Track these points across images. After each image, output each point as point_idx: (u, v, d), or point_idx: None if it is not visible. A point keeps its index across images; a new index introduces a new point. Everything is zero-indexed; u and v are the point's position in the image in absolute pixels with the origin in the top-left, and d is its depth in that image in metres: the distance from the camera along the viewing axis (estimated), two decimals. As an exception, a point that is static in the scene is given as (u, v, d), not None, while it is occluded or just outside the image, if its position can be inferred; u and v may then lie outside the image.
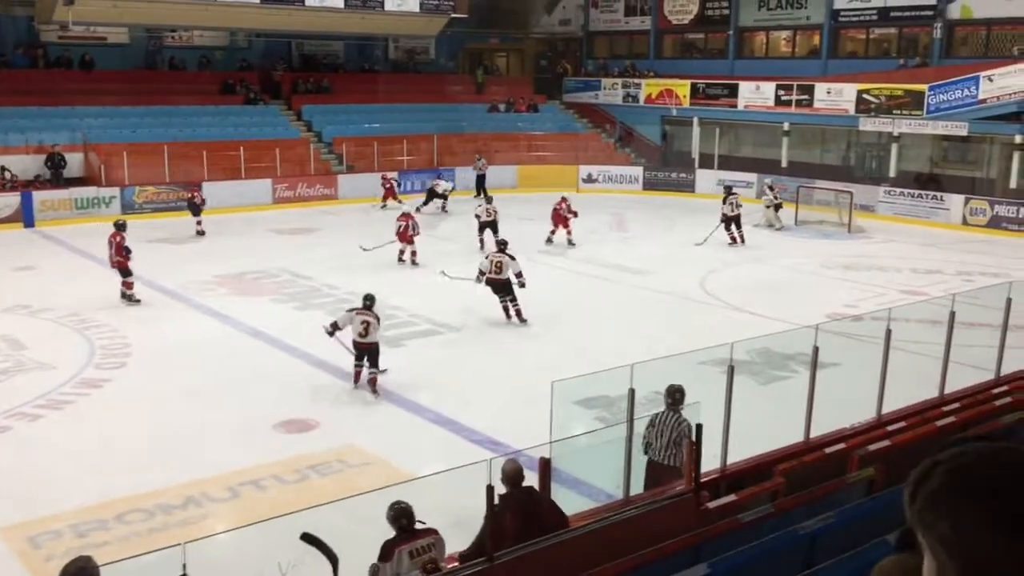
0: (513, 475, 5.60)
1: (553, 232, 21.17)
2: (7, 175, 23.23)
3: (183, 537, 7.34)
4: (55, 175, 23.98)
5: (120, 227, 15.77)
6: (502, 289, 14.64)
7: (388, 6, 28.96)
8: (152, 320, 14.51)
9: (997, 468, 1.17)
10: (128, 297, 15.44)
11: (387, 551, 5.34)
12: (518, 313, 14.60)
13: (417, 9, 29.73)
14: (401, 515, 5.41)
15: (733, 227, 21.39)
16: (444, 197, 25.70)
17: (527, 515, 5.42)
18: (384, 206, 25.53)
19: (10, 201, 22.59)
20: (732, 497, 5.78)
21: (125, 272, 15.45)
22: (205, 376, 11.94)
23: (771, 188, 24.20)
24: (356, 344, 11.62)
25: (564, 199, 21.35)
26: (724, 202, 21.52)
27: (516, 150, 31.56)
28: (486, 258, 15.01)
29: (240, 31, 31.15)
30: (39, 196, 23.05)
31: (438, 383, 11.75)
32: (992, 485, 1.15)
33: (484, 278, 14.60)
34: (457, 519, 6.86)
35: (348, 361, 12.42)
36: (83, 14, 24.93)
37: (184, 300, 15.88)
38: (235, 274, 17.72)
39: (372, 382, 11.34)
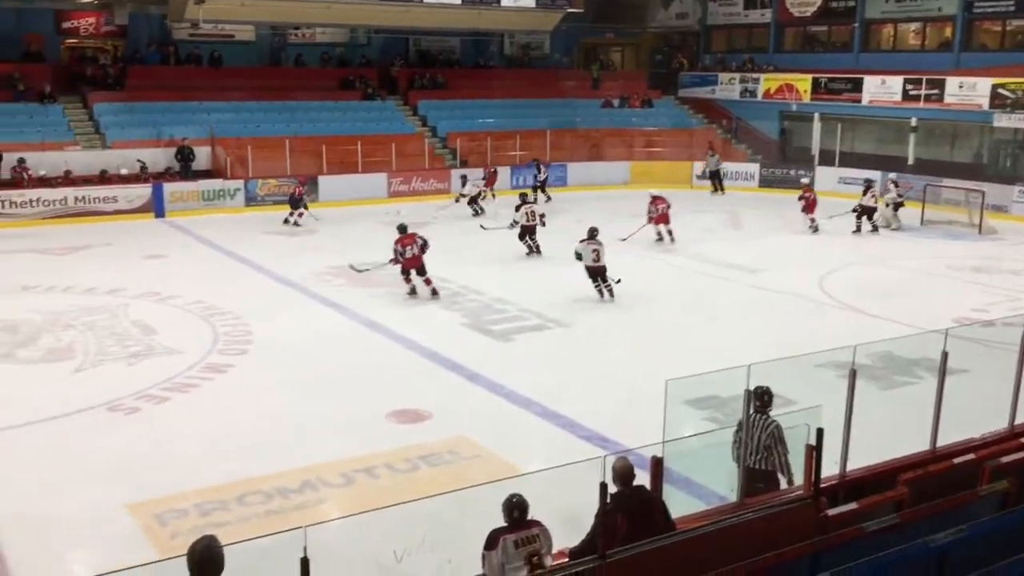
0: (624, 474, 5.54)
1: (658, 232, 20.84)
2: (142, 168, 24.35)
3: (299, 520, 7.55)
4: (184, 168, 25.02)
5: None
6: (599, 273, 15.58)
7: (504, 2, 29.09)
8: (272, 309, 14.97)
9: None
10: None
11: (492, 539, 5.38)
12: (610, 290, 15.64)
13: (533, 4, 29.77)
14: (514, 507, 5.42)
15: (864, 218, 21.92)
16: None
17: (638, 515, 5.35)
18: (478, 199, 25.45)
19: (143, 192, 23.67)
20: (853, 505, 5.57)
21: None
22: (322, 364, 12.25)
23: (896, 184, 23.32)
24: (589, 268, 15.32)
25: (661, 199, 20.94)
26: (865, 193, 22.17)
27: (629, 146, 31.29)
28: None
29: (360, 28, 31.82)
30: (169, 188, 24.08)
31: (548, 378, 11.75)
32: None
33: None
34: (564, 515, 6.83)
35: (459, 353, 12.57)
36: (213, 12, 25.89)
37: (302, 290, 16.32)
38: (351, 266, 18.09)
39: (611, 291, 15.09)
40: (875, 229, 22.00)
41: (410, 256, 15.62)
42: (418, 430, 10.00)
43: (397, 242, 15.75)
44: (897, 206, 22.86)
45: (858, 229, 21.97)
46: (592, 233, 15.87)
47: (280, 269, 17.71)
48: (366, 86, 30.59)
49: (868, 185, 22.82)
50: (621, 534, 4.87)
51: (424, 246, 15.75)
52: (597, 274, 15.56)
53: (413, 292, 15.77)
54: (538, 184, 26.56)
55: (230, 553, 4.30)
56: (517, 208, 19.61)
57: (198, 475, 8.73)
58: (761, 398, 7.27)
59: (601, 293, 15.58)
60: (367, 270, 16.67)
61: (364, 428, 10.00)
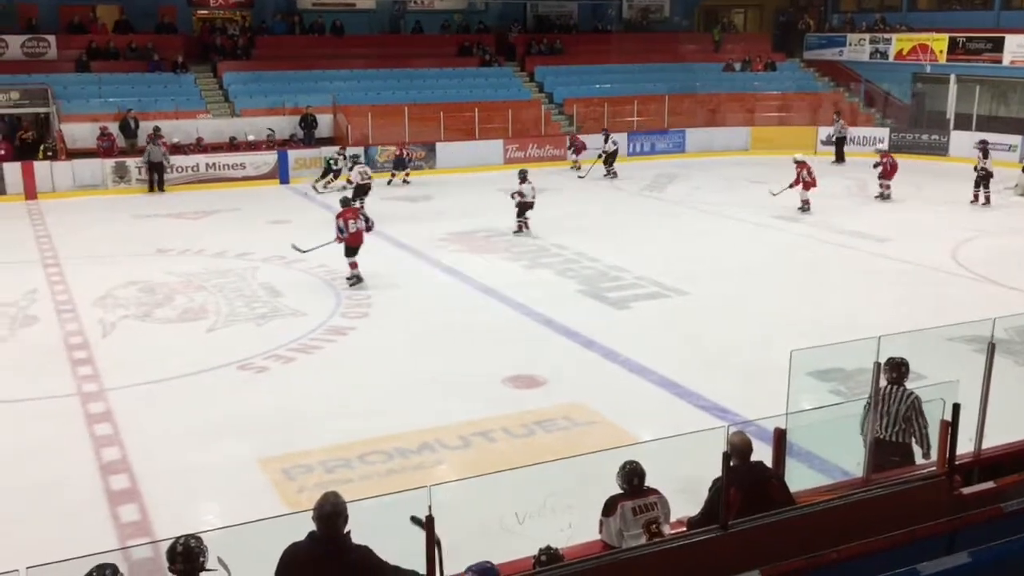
0: (743, 448, 5.43)
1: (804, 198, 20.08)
2: (270, 134, 25.12)
3: (417, 480, 7.72)
4: (307, 135, 25.67)
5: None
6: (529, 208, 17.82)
7: (623, -36, 28.61)
8: (392, 274, 15.26)
9: None
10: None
11: (611, 505, 5.38)
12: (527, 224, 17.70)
13: (653, -34, 29.19)
14: (633, 475, 5.41)
15: (982, 186, 20.72)
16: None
17: (755, 490, 5.24)
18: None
19: (268, 159, 24.41)
20: (991, 484, 5.33)
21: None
22: (439, 329, 12.44)
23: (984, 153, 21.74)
24: (525, 204, 17.71)
25: (804, 163, 20.19)
26: (985, 156, 20.76)
27: (750, 111, 30.47)
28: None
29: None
30: (293, 155, 24.76)
31: (664, 346, 11.63)
32: None
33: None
34: (681, 485, 6.77)
35: (575, 319, 12.56)
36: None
37: (420, 255, 16.59)
38: (468, 232, 18.29)
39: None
40: (988, 201, 20.51)
41: (354, 231, 14.39)
42: (534, 395, 10.06)
43: (339, 216, 14.54)
44: None
45: (976, 199, 20.59)
46: (524, 175, 18.06)
47: (399, 235, 18.01)
48: (484, 53, 30.67)
49: (984, 147, 21.08)
50: (735, 508, 4.79)
51: (368, 222, 14.75)
52: (527, 209, 17.84)
53: (358, 280, 14.41)
54: (603, 154, 25.11)
55: (355, 509, 4.42)
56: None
57: (322, 433, 9.02)
58: (898, 368, 7.01)
59: (520, 228, 17.89)
60: (311, 250, 15.08)
61: (481, 392, 10.13)
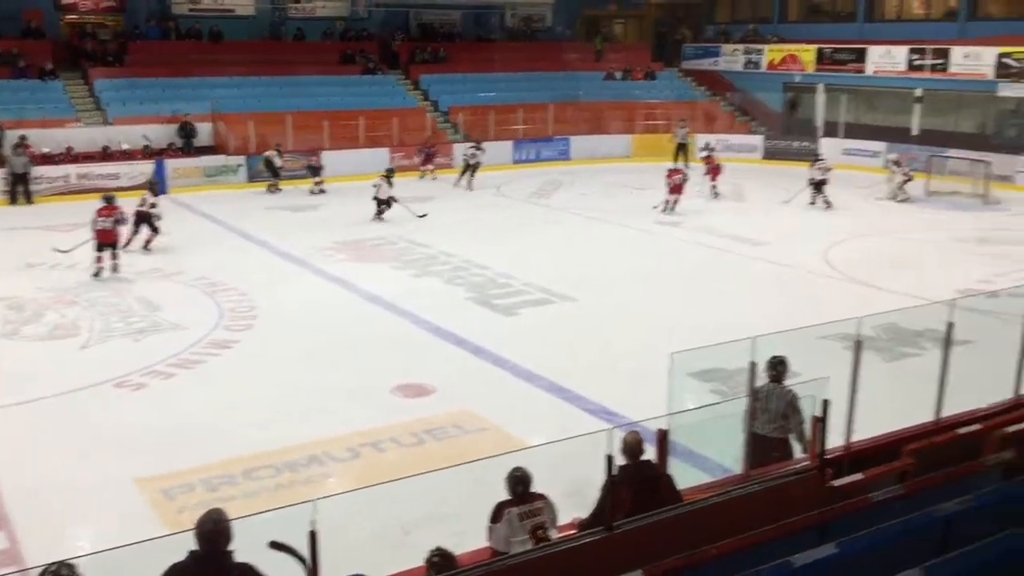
0: (634, 447, 5.56)
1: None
2: (147, 143, 24.31)
3: (306, 495, 7.59)
4: (186, 144, 24.96)
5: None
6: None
7: (506, -26, 28.88)
8: (276, 285, 14.98)
9: None
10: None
11: (498, 512, 5.43)
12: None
13: (534, -24, 29.57)
14: (517, 481, 5.46)
15: (818, 191, 21.66)
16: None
17: (643, 488, 5.37)
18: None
19: (145, 169, 23.61)
20: (859, 476, 5.59)
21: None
22: (326, 339, 12.28)
23: (898, 164, 22.96)
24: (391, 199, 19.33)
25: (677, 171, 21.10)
26: (812, 167, 22.00)
27: (631, 119, 31.15)
28: None
29: (360, 1, 31.64)
30: (171, 164, 24.03)
31: (553, 352, 11.76)
32: None
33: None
34: (570, 489, 6.86)
35: (464, 327, 12.58)
36: (212, -13, 25.76)
37: (306, 265, 16.33)
38: (354, 241, 18.12)
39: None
40: (823, 203, 21.60)
41: (101, 228, 15.06)
42: (423, 404, 10.03)
43: (96, 212, 15.30)
44: (906, 180, 22.65)
45: (813, 202, 21.66)
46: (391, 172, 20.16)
47: (283, 244, 17.70)
48: (367, 60, 30.45)
49: (816, 158, 22.97)
50: (626, 507, 4.89)
51: (119, 221, 15.48)
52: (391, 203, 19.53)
53: (98, 274, 15.07)
54: (468, 163, 24.67)
55: (238, 527, 4.32)
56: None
57: (205, 450, 8.77)
58: (775, 367, 7.30)
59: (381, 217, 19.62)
60: (70, 250, 15.63)
61: (369, 402, 10.03)
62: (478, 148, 24.99)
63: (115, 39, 28.00)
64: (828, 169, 21.85)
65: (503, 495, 5.68)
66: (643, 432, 6.55)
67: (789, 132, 30.26)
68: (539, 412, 9.98)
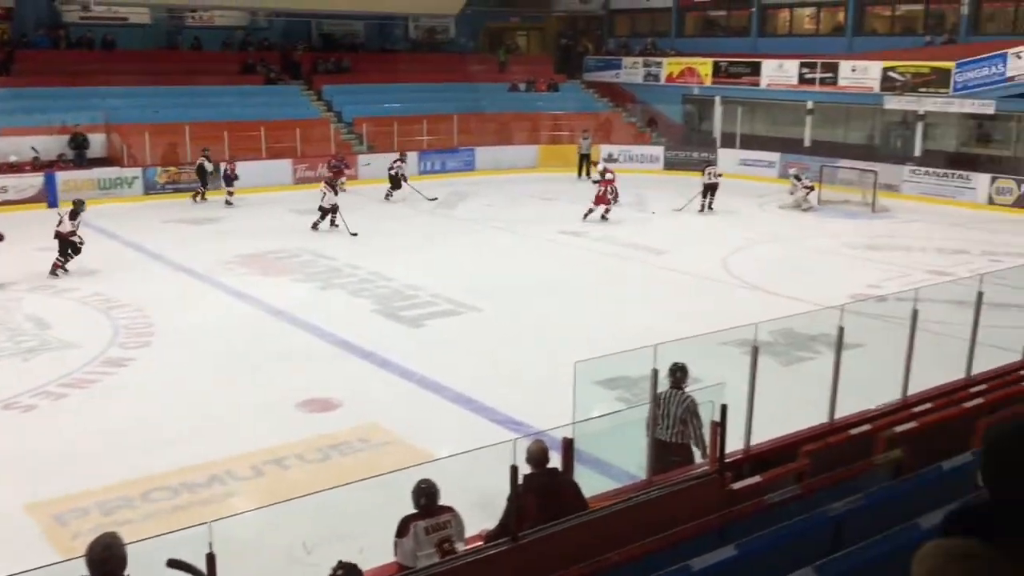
0: (539, 456, 5.59)
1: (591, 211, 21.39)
2: (35, 155, 23.39)
3: (207, 515, 7.38)
4: (78, 156, 24.12)
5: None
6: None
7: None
8: (175, 300, 14.59)
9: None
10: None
11: (403, 526, 5.39)
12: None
13: (436, -13, 29.61)
14: (421, 494, 5.43)
15: (708, 196, 22.42)
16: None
17: (548, 496, 5.41)
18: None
19: (34, 181, 22.75)
20: (757, 478, 5.74)
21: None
22: (227, 355, 12.01)
23: (798, 179, 23.49)
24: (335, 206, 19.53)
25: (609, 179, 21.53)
26: (703, 173, 22.75)
27: (536, 130, 31.43)
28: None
29: (260, 11, 31.14)
30: (62, 176, 23.17)
31: (459, 363, 11.75)
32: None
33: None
34: (479, 499, 6.86)
35: (370, 339, 12.47)
36: (104, -6, 25.01)
37: (206, 280, 15.95)
38: (257, 254, 17.78)
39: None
40: (705, 209, 22.43)
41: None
42: (329, 419, 9.90)
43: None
44: (809, 190, 23.27)
45: (702, 209, 22.41)
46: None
47: (183, 258, 17.25)
48: (268, 70, 29.96)
49: (706, 163, 23.74)
50: (532, 517, 4.92)
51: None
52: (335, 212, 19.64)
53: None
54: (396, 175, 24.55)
55: (134, 551, 4.18)
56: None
57: (100, 473, 8.47)
58: (674, 374, 7.44)
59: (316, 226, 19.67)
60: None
61: (273, 419, 9.85)
62: (402, 160, 24.92)
63: (1, 48, 26.88)
64: (719, 175, 22.60)
65: (410, 509, 5.64)
66: (550, 441, 6.60)
67: (688, 143, 30.97)
68: (446, 424, 9.95)
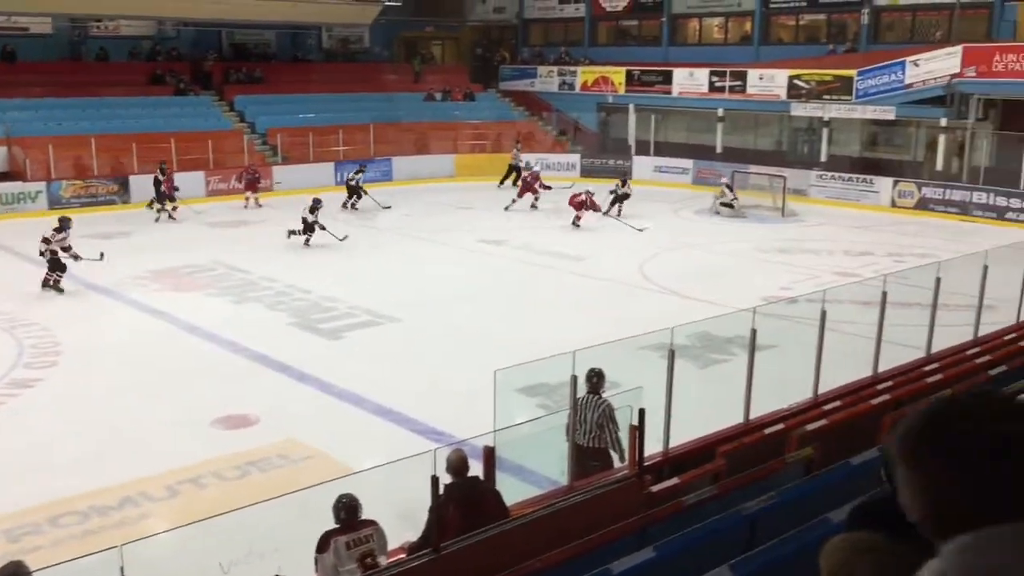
0: (458, 465, 5.59)
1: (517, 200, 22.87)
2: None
3: (119, 539, 7.17)
4: (-23, 170, 23.23)
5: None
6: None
7: (320, -6, 28.60)
8: (83, 318, 14.16)
9: (964, 411, 1.27)
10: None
11: (323, 542, 5.34)
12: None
13: (350, -3, 29.43)
14: (340, 508, 5.38)
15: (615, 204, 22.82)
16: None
17: (470, 505, 5.41)
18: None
19: (-71, 197, 21.82)
20: (675, 480, 5.83)
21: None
22: (140, 373, 11.69)
23: (729, 188, 23.87)
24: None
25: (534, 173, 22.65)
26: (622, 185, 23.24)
27: (453, 139, 31.43)
28: None
29: (168, 20, 30.47)
30: (-40, 192, 22.30)
31: (380, 375, 11.66)
32: (958, 426, 1.25)
33: None
34: (402, 511, 6.81)
35: (287, 353, 12.29)
36: (4, 3, 24.16)
37: (116, 296, 15.51)
38: (169, 269, 17.36)
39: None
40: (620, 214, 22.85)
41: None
42: (246, 435, 9.71)
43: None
44: (734, 199, 23.69)
45: (609, 213, 22.76)
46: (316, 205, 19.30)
47: (91, 274, 16.72)
48: (178, 81, 29.32)
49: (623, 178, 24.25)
50: (454, 525, 4.91)
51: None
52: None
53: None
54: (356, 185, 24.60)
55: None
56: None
57: (4, 498, 8.15)
58: (590, 380, 7.52)
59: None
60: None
61: (188, 437, 9.62)
62: (362, 170, 24.79)
63: None
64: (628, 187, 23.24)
65: (331, 524, 5.58)
66: (472, 450, 6.60)
67: (604, 151, 31.36)
68: (367, 437, 9.87)
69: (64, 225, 16.03)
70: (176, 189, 22.71)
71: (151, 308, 14.73)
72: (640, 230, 20.78)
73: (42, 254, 15.73)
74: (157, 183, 22.50)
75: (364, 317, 14.26)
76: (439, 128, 31.50)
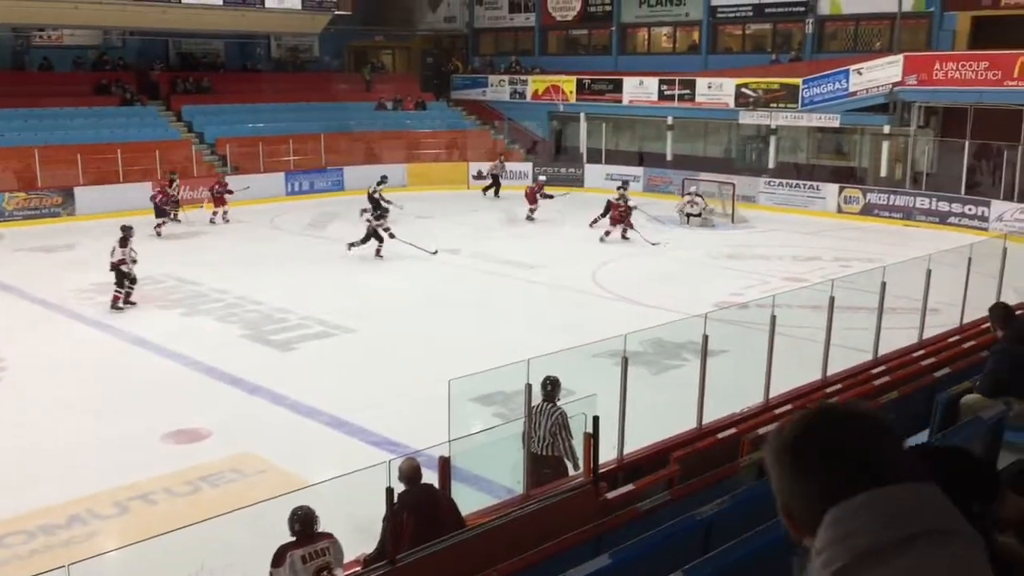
0: (410, 473, 5.57)
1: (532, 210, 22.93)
2: None
3: (66, 558, 7.02)
4: (-85, 182, 22.65)
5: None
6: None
7: (269, 3, 28.40)
8: (27, 333, 13.85)
9: (823, 423, 1.34)
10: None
11: (279, 556, 5.29)
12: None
13: (299, 6, 29.23)
14: (296, 521, 5.33)
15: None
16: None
17: (424, 513, 5.39)
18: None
19: None
20: (630, 487, 5.87)
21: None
22: (89, 388, 11.47)
23: (699, 196, 23.81)
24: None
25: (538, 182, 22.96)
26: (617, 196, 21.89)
27: (405, 148, 31.34)
28: None
29: (113, 30, 29.99)
30: (-103, 205, 21.72)
31: (334, 386, 11.57)
32: (784, 435, 1.34)
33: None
34: (358, 523, 6.77)
35: (239, 366, 12.15)
36: (-60, 12, 23.62)
37: (63, 311, 15.20)
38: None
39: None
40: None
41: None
42: (198, 450, 9.58)
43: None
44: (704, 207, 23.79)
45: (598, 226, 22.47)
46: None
47: (36, 289, 16.40)
48: (124, 91, 28.86)
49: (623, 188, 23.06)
50: (409, 534, 4.89)
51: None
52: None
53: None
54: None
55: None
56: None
57: (-52, 520, 7.94)
58: (545, 388, 7.54)
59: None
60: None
61: (138, 453, 9.45)
62: (383, 182, 24.30)
63: None
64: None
65: (287, 538, 5.52)
66: (428, 461, 6.58)
67: (556, 159, 31.50)
68: (322, 449, 9.79)
69: (127, 234, 15.72)
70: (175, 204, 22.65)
71: (97, 322, 14.47)
72: (654, 244, 20.57)
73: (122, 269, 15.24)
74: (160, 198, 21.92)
75: (317, 328, 14.15)
76: (390, 137, 31.41)
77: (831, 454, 1.30)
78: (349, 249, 19.04)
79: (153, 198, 22.23)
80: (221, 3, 27.44)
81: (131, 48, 31.02)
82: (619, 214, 21.25)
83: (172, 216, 22.44)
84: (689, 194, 23.83)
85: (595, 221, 21.97)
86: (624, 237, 21.13)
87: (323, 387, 11.46)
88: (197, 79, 30.75)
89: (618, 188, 22.79)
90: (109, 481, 8.69)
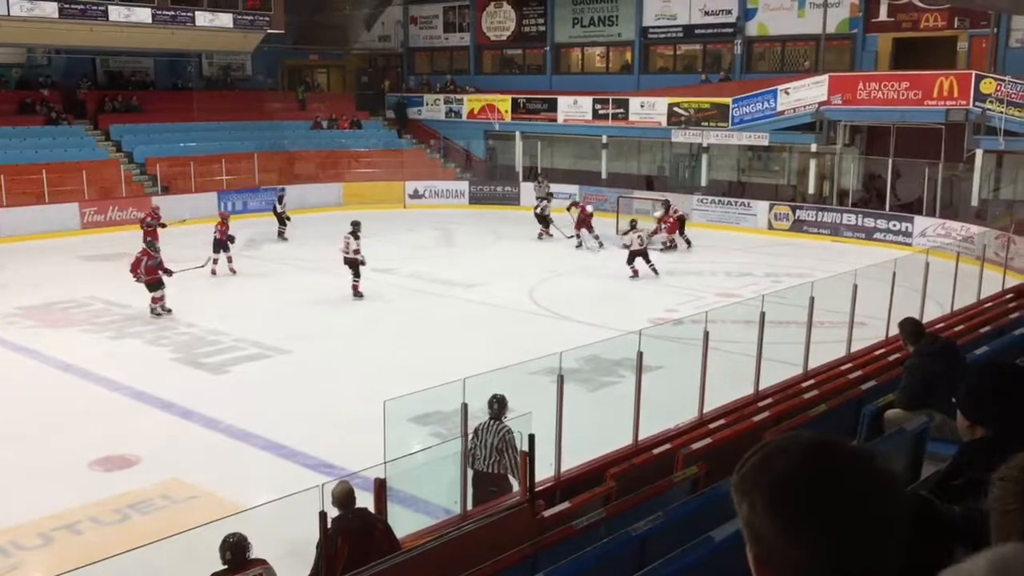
0: (343, 498, 5.51)
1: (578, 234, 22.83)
2: None
3: (-10, 593, 6.80)
4: None
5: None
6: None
7: (200, 21, 28.02)
8: (-53, 359, 13.40)
9: (793, 460, 1.25)
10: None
11: (209, 586, 5.17)
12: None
13: (231, 25, 28.91)
14: (227, 548, 5.24)
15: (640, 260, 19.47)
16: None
17: (358, 538, 5.33)
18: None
19: None
20: (566, 504, 5.88)
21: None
22: (11, 415, 11.12)
23: (665, 211, 23.51)
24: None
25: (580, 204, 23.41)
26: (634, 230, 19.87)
27: (340, 167, 31.15)
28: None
29: (37, 48, 29.31)
30: None
31: (268, 409, 11.40)
32: (784, 475, 1.24)
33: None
34: (292, 548, 6.66)
35: (170, 390, 11.91)
36: None
37: (-17, 336, 14.74)
38: (42, 305, 16.61)
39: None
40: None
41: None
42: (126, 477, 9.35)
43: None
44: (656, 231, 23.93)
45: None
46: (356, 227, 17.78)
47: (-45, 314, 15.87)
48: (49, 110, 28.20)
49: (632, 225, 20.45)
50: (342, 562, 4.83)
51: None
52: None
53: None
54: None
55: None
56: (625, 233, 19.93)
57: None
58: (491, 406, 7.55)
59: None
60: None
61: (63, 481, 9.19)
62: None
63: None
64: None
65: (218, 565, 5.41)
66: (364, 483, 6.51)
67: (492, 178, 31.60)
68: (256, 473, 9.63)
69: (357, 228, 17.57)
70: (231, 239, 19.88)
71: (21, 347, 14.05)
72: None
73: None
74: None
75: (251, 350, 13.94)
76: (325, 156, 31.20)
77: (849, 509, 1.19)
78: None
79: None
80: (150, 21, 27.01)
81: (56, 67, 30.36)
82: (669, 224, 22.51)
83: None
84: (627, 233, 20.32)
85: (651, 235, 21.87)
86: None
87: (257, 410, 11.29)
88: (126, 98, 30.21)
89: (568, 207, 24.00)
90: (34, 511, 8.43)
